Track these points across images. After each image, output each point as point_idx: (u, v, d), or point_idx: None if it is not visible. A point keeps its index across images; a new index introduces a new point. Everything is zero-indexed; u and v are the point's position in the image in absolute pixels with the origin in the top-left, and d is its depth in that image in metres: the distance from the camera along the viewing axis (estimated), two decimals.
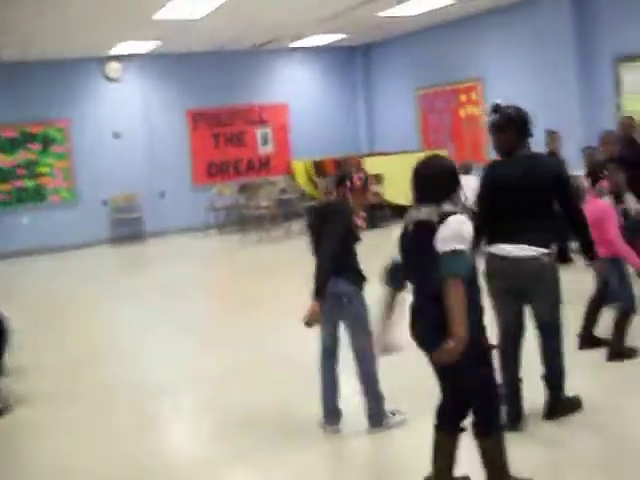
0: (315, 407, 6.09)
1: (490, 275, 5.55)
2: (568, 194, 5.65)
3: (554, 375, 5.81)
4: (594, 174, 6.99)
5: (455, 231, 4.21)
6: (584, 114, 14.16)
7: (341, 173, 5.96)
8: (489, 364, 4.53)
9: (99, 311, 11.38)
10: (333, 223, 5.64)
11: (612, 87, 13.87)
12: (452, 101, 17.93)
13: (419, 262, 4.38)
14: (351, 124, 21.25)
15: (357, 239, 5.81)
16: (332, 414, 6.00)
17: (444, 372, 4.46)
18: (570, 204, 5.68)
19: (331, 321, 5.84)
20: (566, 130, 12.33)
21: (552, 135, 11.27)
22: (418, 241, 4.33)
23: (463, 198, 4.45)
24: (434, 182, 4.39)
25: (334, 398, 6.01)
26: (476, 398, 4.52)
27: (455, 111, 17.91)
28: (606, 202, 6.85)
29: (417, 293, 4.48)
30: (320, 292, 5.51)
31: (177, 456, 6.03)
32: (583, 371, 6.63)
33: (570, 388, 5.89)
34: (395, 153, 18.25)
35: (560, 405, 5.84)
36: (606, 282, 7.12)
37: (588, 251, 5.92)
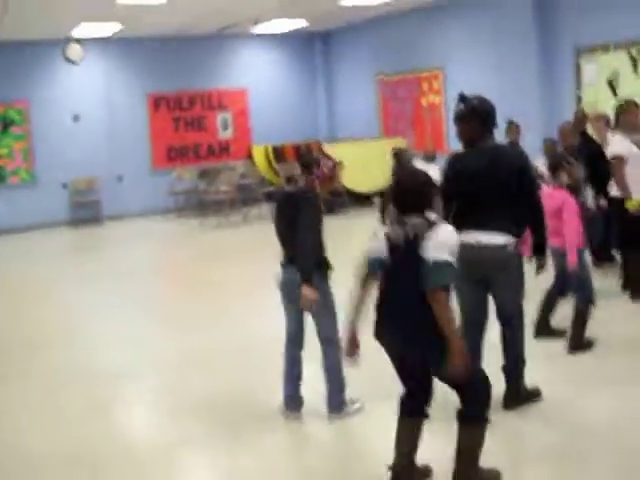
0: (275, 392, 6.12)
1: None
2: (530, 186, 5.69)
3: (514, 365, 5.85)
4: (554, 166, 7.06)
5: (446, 240, 4.29)
6: (544, 105, 14.31)
7: (309, 159, 5.92)
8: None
9: (57, 293, 11.30)
10: (306, 211, 5.62)
11: (573, 78, 14.02)
12: (414, 89, 17.97)
13: (410, 271, 4.35)
14: (311, 110, 21.25)
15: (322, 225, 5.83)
16: (293, 401, 6.02)
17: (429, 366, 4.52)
18: (531, 196, 5.72)
19: (297, 308, 5.82)
20: (526, 121, 12.44)
21: (512, 125, 11.33)
22: (410, 250, 4.34)
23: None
24: (419, 193, 4.43)
25: (296, 385, 6.02)
26: (462, 389, 4.53)
27: (417, 99, 17.95)
28: (567, 193, 6.90)
29: (403, 300, 4.45)
30: (309, 281, 5.51)
31: (136, 440, 6.02)
32: (542, 362, 6.68)
33: (529, 378, 5.94)
34: (355, 140, 18.29)
35: (519, 395, 5.88)
36: (564, 272, 7.17)
37: (539, 245, 6.00)
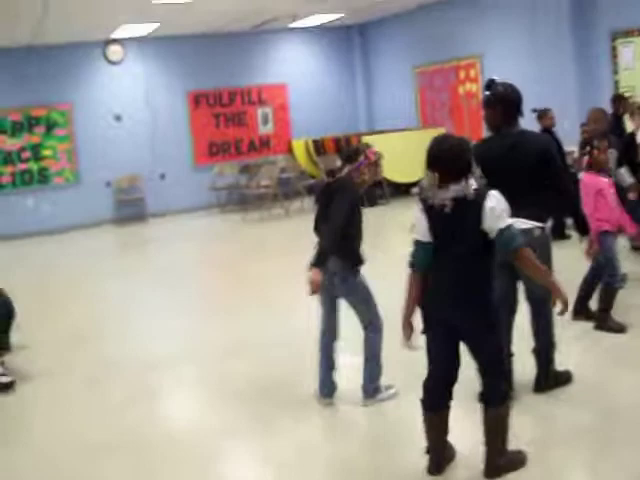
0: (313, 381, 6.22)
1: None
2: (555, 170, 5.66)
3: (544, 349, 5.89)
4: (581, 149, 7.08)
5: (502, 206, 4.38)
6: (582, 90, 14.19)
7: (350, 151, 5.97)
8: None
9: (102, 288, 11.53)
10: (341, 199, 5.65)
11: (609, 63, 13.90)
12: (451, 78, 17.96)
13: (462, 238, 4.42)
14: (350, 103, 21.30)
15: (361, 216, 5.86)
16: (326, 387, 6.13)
17: (476, 341, 4.57)
18: (557, 180, 5.68)
19: (329, 298, 5.91)
20: (562, 107, 12.38)
21: (544, 112, 11.14)
22: (459, 218, 4.39)
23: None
24: (462, 159, 4.42)
25: (329, 373, 6.12)
26: (492, 366, 4.60)
27: (454, 88, 17.95)
28: (592, 175, 6.93)
29: (458, 269, 4.46)
30: (318, 262, 5.57)
31: (179, 426, 6.18)
32: (573, 345, 6.71)
33: (560, 361, 5.98)
34: (394, 131, 18.31)
35: (550, 378, 5.92)
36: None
37: (579, 225, 6.06)
